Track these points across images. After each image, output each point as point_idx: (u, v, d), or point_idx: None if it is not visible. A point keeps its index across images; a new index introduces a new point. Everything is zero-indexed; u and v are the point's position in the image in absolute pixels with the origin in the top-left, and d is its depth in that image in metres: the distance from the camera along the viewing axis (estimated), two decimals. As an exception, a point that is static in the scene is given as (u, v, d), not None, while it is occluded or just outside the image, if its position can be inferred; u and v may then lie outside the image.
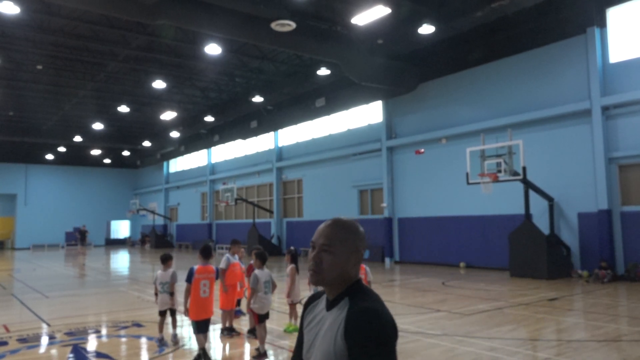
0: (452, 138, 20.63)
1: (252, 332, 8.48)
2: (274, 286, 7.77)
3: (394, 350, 1.78)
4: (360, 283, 1.96)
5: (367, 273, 8.53)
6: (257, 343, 7.43)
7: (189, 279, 7.23)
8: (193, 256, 29.15)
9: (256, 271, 7.48)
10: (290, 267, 9.08)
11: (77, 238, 40.85)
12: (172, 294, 8.27)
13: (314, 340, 1.95)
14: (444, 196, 20.85)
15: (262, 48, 21.56)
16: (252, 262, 8.19)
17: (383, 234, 23.33)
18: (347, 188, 25.88)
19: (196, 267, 7.27)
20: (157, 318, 8.43)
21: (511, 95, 18.67)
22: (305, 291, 10.59)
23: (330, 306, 1.94)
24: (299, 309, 9.70)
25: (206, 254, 7.39)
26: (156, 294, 8.35)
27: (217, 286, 8.33)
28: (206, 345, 7.09)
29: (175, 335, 8.29)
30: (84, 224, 43.39)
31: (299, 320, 8.22)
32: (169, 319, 8.38)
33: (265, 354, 7.25)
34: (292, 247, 10.89)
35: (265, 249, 10.07)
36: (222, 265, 8.80)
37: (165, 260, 8.28)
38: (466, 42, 19.42)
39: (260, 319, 7.27)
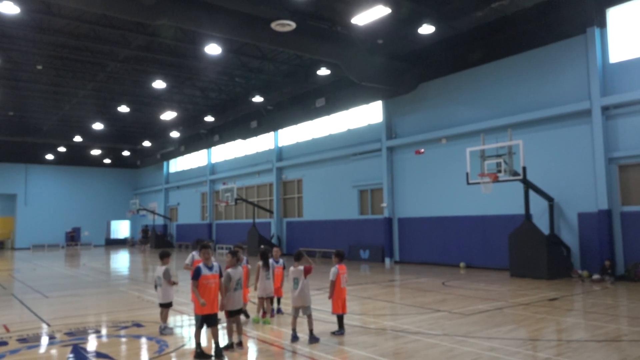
0: (452, 138, 20.63)
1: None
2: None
3: None
4: None
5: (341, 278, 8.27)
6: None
7: None
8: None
9: (229, 270, 7.54)
10: (257, 264, 9.57)
11: (142, 236, 43.84)
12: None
13: None
14: (444, 196, 20.85)
15: (262, 48, 21.56)
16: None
17: (383, 234, 23.34)
18: (347, 188, 25.88)
19: None
20: (158, 318, 8.53)
21: (511, 95, 18.67)
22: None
23: None
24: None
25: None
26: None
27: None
28: (202, 342, 7.14)
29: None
30: (145, 225, 45.42)
31: (261, 313, 8.28)
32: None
33: (231, 345, 7.47)
34: (278, 246, 11.13)
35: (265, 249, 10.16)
36: (187, 260, 9.60)
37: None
38: (466, 42, 19.41)
39: (230, 314, 7.50)
